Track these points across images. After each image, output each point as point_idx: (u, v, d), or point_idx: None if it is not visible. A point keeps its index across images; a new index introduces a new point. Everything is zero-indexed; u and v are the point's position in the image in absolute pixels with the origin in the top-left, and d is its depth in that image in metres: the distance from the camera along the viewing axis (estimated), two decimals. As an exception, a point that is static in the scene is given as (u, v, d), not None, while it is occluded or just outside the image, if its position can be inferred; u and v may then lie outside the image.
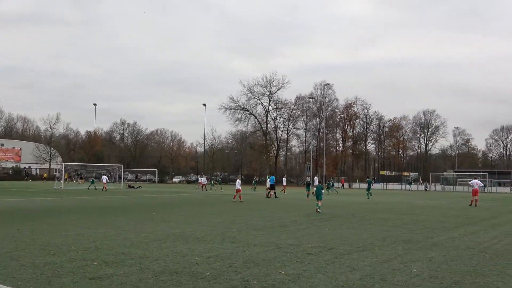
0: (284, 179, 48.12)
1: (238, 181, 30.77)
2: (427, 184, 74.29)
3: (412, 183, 77.30)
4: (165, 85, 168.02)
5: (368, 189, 38.22)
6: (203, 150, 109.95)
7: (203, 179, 53.19)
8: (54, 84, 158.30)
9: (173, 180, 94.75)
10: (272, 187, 35.65)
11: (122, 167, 56.00)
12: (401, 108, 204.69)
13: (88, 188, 45.83)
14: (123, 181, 62.53)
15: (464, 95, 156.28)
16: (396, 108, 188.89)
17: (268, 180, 36.46)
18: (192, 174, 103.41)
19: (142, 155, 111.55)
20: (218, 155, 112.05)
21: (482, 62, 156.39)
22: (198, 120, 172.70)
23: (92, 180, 49.61)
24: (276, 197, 34.43)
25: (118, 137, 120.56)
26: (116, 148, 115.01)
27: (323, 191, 22.29)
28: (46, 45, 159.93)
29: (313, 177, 38.13)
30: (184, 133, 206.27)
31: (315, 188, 23.04)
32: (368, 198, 35.37)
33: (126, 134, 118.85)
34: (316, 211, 20.62)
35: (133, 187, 53.80)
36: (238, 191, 29.58)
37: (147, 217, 17.07)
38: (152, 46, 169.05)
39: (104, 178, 47.55)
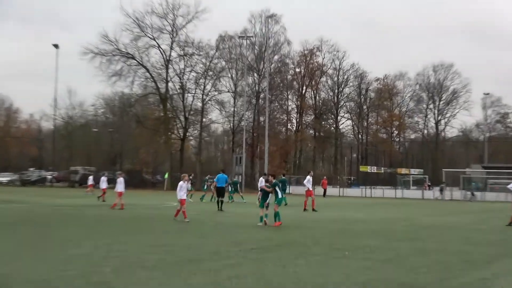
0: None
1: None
2: (473, 191, 43.92)
3: (446, 188, 45.33)
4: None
5: (270, 197, 17.36)
6: (52, 127, 70.11)
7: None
8: None
9: None
10: (220, 193, 22.97)
11: None
12: (396, 60, 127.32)
13: None
14: None
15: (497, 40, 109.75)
16: (387, 60, 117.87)
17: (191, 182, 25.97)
18: (32, 168, 62.96)
19: None
20: (79, 136, 70.77)
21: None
22: (43, 74, 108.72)
23: None
24: (221, 210, 22.10)
25: None
26: None
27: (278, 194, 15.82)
28: None
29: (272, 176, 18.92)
30: (18, 96, 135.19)
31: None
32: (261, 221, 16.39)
33: None
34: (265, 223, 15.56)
35: None
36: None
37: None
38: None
39: None
